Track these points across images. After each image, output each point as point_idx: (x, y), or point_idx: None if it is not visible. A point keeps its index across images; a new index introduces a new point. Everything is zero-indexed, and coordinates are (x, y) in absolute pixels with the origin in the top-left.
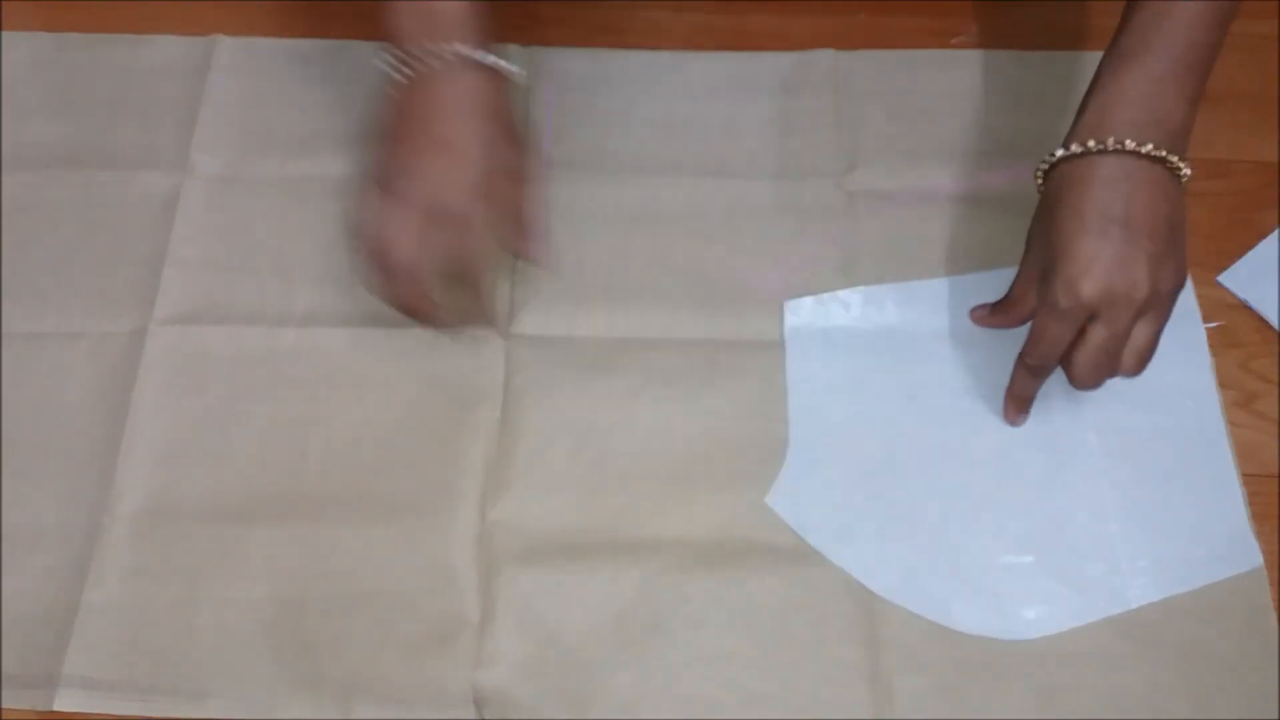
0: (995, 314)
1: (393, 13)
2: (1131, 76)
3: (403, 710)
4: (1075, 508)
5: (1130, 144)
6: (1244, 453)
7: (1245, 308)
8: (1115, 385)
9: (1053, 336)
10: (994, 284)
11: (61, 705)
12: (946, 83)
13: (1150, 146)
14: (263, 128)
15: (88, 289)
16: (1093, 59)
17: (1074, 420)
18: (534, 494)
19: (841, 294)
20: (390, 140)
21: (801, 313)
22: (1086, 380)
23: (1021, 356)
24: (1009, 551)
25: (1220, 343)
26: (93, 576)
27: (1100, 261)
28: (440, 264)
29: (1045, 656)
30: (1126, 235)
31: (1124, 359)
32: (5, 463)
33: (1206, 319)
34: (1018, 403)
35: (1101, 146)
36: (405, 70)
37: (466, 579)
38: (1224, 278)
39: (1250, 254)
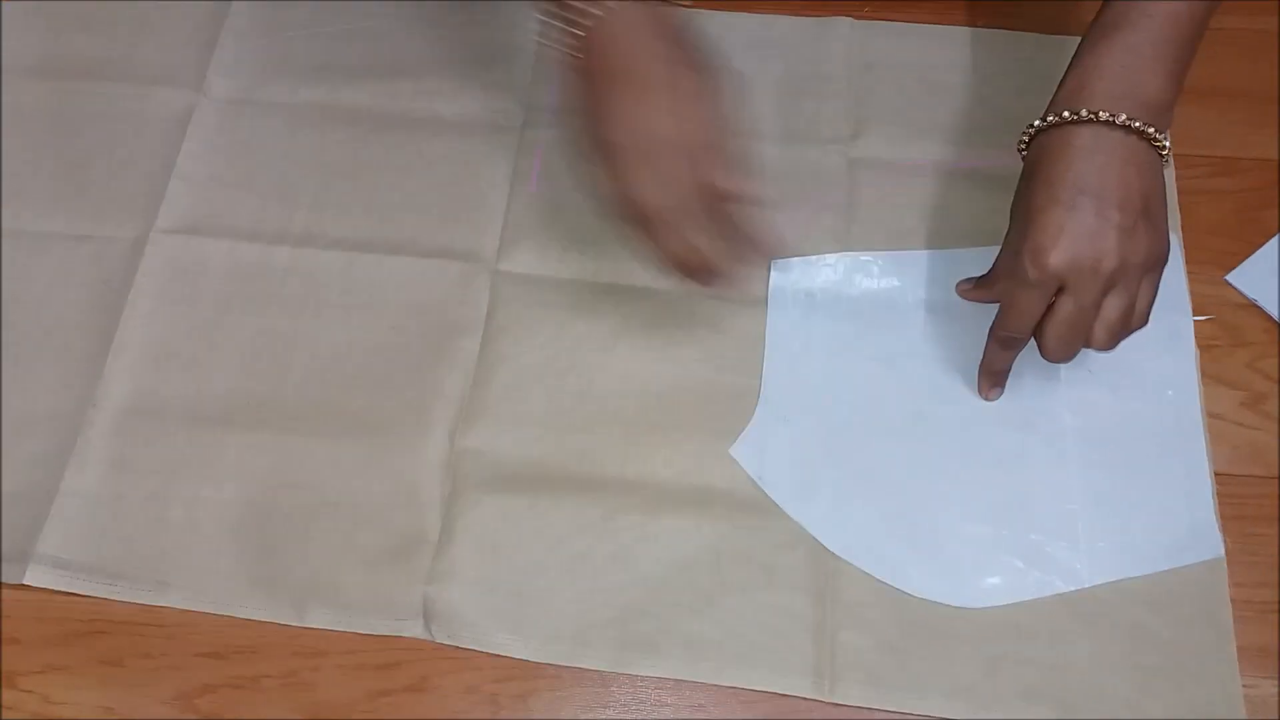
0: (979, 287)
1: None
2: (1110, 50)
3: (355, 619)
4: (1041, 484)
5: (1104, 114)
6: (1252, 454)
7: (1253, 307)
8: (1096, 367)
9: (1021, 307)
10: (982, 260)
11: (32, 580)
12: (961, 59)
13: (1124, 117)
14: (278, 54)
15: (98, 195)
16: None
17: (1050, 399)
18: (505, 426)
19: (829, 257)
20: (598, 96)
21: (788, 272)
22: (1056, 353)
23: (993, 328)
24: (969, 521)
25: (1228, 342)
26: (74, 465)
27: (1068, 232)
28: (694, 201)
29: (993, 626)
30: (1096, 206)
31: (1095, 332)
32: (5, 351)
33: (1214, 316)
34: (991, 377)
35: (1076, 116)
36: (581, 24)
37: (430, 499)
38: (1232, 277)
39: (1258, 253)
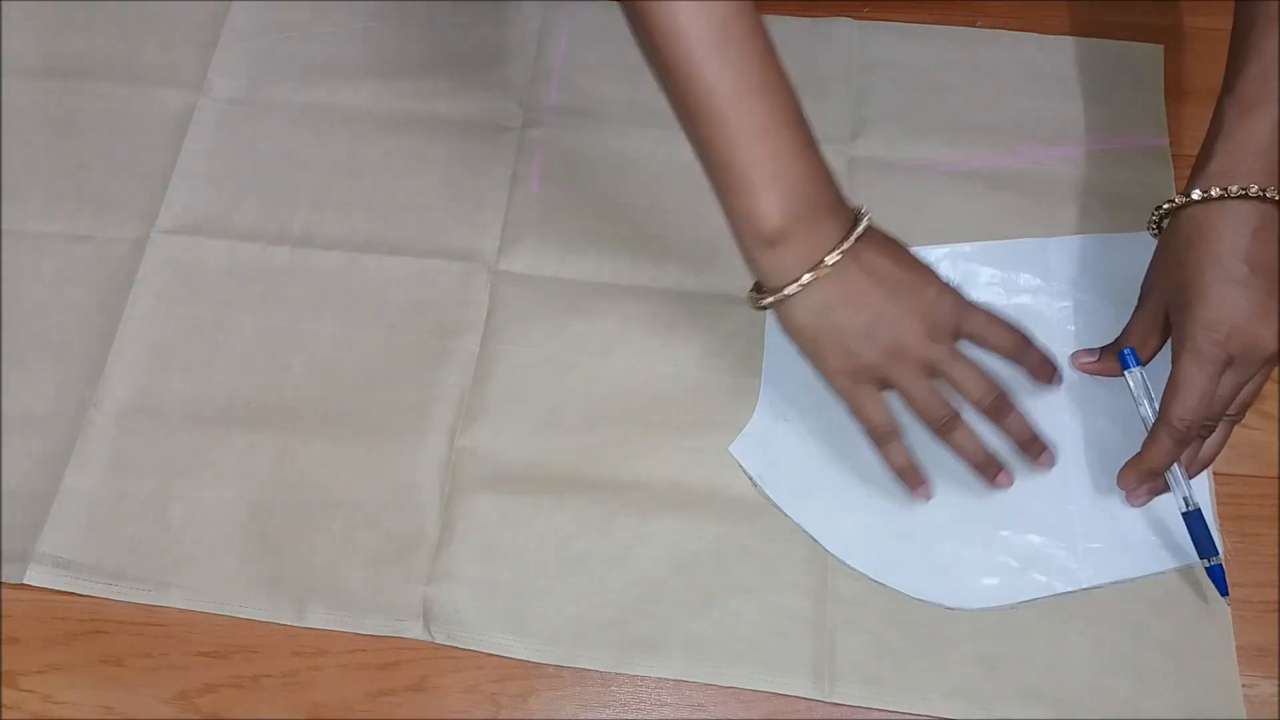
0: (1105, 359)
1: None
2: (1256, 124)
3: (355, 619)
4: (1038, 485)
5: (1255, 189)
6: (1252, 453)
7: None
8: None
9: (1201, 389)
10: (982, 256)
11: (32, 579)
12: (961, 59)
13: (1273, 191)
14: (278, 54)
15: (98, 195)
16: (1113, 47)
17: (1049, 399)
18: (504, 425)
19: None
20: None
21: None
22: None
23: (1164, 420)
24: (966, 522)
25: None
26: (74, 464)
27: (1245, 310)
28: None
29: (991, 626)
30: (1265, 285)
31: (1230, 413)
32: (6, 351)
33: None
34: (1148, 477)
35: (1225, 193)
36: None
37: (429, 499)
38: None
39: None
